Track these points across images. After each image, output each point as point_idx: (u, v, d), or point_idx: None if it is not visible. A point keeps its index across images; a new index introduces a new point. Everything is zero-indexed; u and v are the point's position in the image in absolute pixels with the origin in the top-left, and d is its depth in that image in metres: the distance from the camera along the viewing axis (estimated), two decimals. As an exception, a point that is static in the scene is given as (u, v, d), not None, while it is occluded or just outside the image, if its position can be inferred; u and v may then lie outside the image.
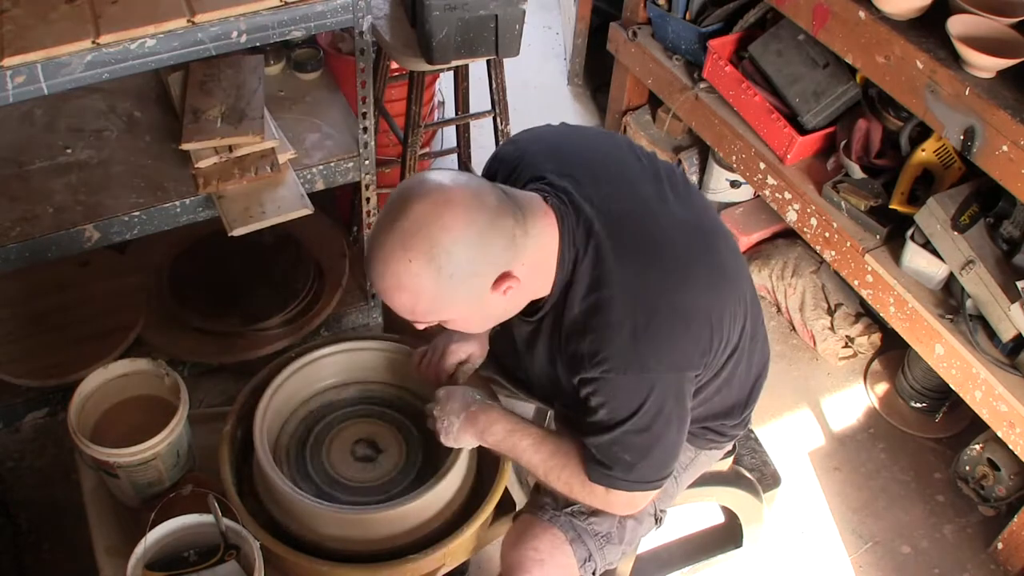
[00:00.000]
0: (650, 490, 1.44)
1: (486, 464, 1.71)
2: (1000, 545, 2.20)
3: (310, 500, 1.53)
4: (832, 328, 2.58)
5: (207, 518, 1.50)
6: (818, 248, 2.46)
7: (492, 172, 1.49)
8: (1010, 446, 2.07)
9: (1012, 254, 2.03)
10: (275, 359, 1.74)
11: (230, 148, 2.03)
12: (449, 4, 2.04)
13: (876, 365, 2.60)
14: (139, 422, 1.67)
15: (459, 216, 1.24)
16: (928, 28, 2.05)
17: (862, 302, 2.58)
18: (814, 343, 2.63)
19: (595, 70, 3.42)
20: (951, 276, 2.15)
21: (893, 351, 2.58)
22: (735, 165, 2.65)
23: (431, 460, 1.69)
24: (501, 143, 1.49)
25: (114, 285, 2.40)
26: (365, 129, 2.13)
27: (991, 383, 2.05)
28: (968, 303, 2.11)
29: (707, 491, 1.83)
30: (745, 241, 2.79)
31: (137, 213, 1.99)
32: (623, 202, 1.37)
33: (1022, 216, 2.03)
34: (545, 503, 1.56)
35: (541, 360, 1.47)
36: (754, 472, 1.91)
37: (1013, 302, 1.98)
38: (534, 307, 1.41)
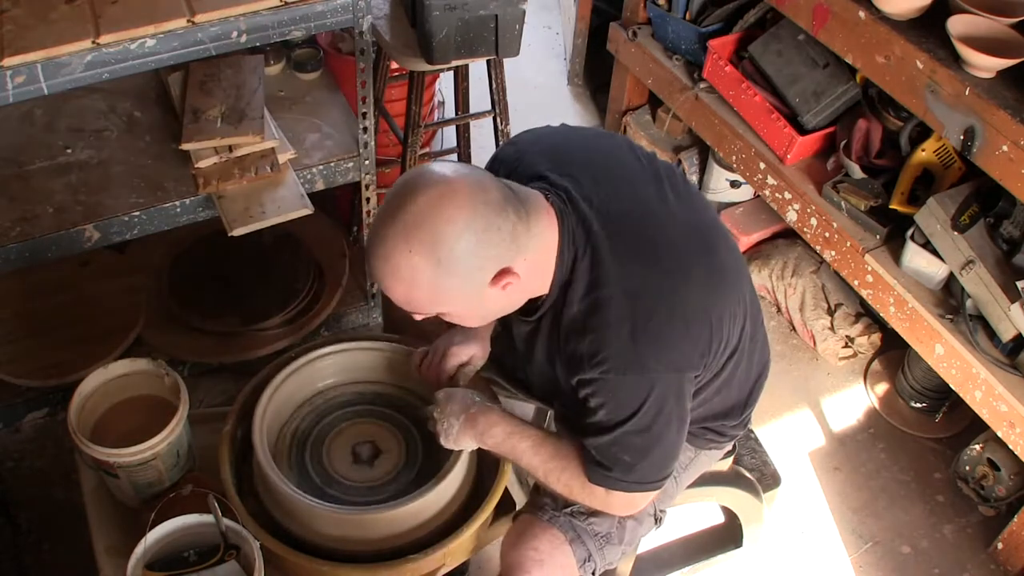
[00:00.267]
0: (650, 491, 1.44)
1: (486, 464, 1.71)
2: (1000, 545, 2.20)
3: (310, 500, 1.53)
4: (832, 328, 2.58)
5: (207, 518, 1.50)
6: (818, 248, 2.46)
7: (492, 173, 1.48)
8: (1010, 446, 2.07)
9: (1012, 254, 2.03)
10: (275, 359, 1.74)
11: (230, 148, 2.03)
12: (449, 4, 2.04)
13: (876, 365, 2.60)
14: (139, 422, 1.67)
15: (463, 209, 1.22)
16: (928, 28, 2.05)
17: (862, 302, 2.58)
18: (814, 343, 2.63)
19: (595, 70, 3.42)
20: (951, 276, 2.15)
21: (893, 351, 2.58)
22: (735, 165, 2.65)
23: (431, 460, 1.69)
24: (501, 145, 1.49)
25: (114, 285, 2.40)
26: (365, 129, 2.13)
27: (991, 383, 2.05)
28: (968, 303, 2.11)
29: (707, 491, 1.83)
30: (745, 241, 2.79)
31: (137, 213, 1.99)
32: (623, 202, 1.37)
33: (1022, 216, 2.03)
34: (545, 503, 1.56)
35: (540, 360, 1.47)
36: (754, 472, 1.91)
37: (1013, 302, 1.98)
38: (533, 306, 1.41)
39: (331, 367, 1.77)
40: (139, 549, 1.46)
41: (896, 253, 2.27)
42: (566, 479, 1.47)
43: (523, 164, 1.44)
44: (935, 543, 2.26)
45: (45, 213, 1.97)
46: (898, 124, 2.31)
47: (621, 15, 2.98)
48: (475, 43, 2.16)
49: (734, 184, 2.81)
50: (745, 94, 2.53)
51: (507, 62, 2.38)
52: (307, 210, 2.03)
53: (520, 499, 1.80)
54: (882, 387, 2.56)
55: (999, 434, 2.09)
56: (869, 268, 2.29)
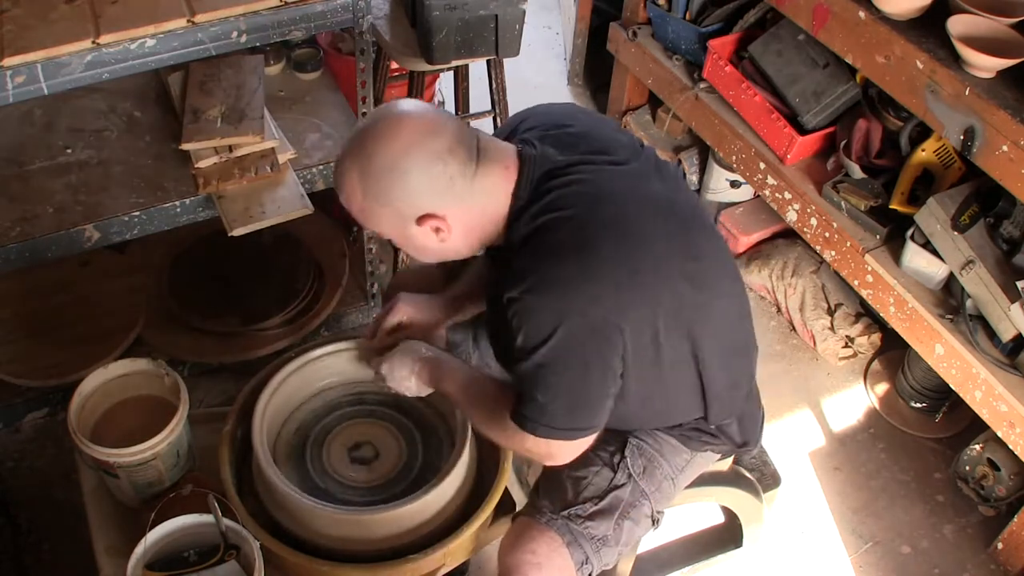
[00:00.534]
0: (564, 439, 1.40)
1: (486, 464, 1.71)
2: (1000, 545, 2.20)
3: (310, 500, 1.53)
4: (832, 328, 2.58)
5: (207, 518, 1.50)
6: (818, 248, 2.46)
7: (512, 127, 1.53)
8: (1010, 446, 2.07)
9: (1012, 254, 2.03)
10: (275, 359, 1.75)
11: (230, 148, 2.03)
12: (449, 4, 2.05)
13: (876, 365, 2.60)
14: (139, 422, 1.67)
15: (398, 147, 1.31)
16: (928, 28, 2.05)
17: (862, 302, 2.58)
18: (814, 343, 2.63)
19: (595, 70, 3.42)
20: (951, 276, 2.15)
21: (893, 351, 2.58)
22: (735, 165, 2.66)
23: (431, 460, 1.70)
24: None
25: (114, 285, 2.40)
26: (365, 129, 2.13)
27: (991, 383, 2.05)
28: (968, 303, 2.11)
29: (707, 491, 1.83)
30: (745, 241, 2.79)
31: (137, 213, 1.99)
32: (612, 179, 1.38)
33: (1022, 216, 2.03)
34: (542, 506, 1.56)
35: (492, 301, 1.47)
36: (754, 472, 1.91)
37: (1013, 302, 1.98)
38: (495, 258, 1.44)
39: (331, 367, 1.77)
40: (139, 549, 1.46)
41: (896, 253, 2.27)
42: (498, 421, 1.45)
43: (526, 123, 1.49)
44: (935, 543, 2.26)
45: (45, 213, 1.97)
46: (898, 124, 2.31)
47: (621, 15, 2.98)
48: (475, 43, 2.16)
49: (734, 184, 2.81)
50: (745, 94, 2.53)
51: (507, 62, 2.38)
52: (307, 210, 2.03)
53: (520, 499, 1.80)
54: (882, 387, 2.56)
55: (999, 434, 2.09)
56: (869, 268, 2.29)
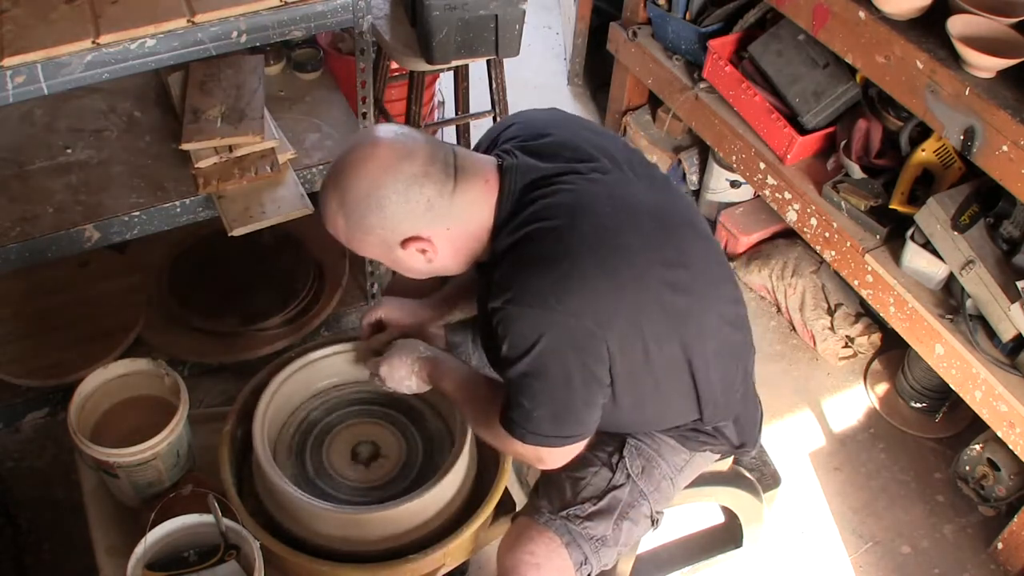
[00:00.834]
0: (551, 446, 1.40)
1: (486, 464, 1.71)
2: (1000, 545, 2.20)
3: (310, 500, 1.53)
4: (832, 328, 2.58)
5: (207, 518, 1.50)
6: (818, 248, 2.46)
7: (493, 138, 1.53)
8: (1010, 446, 2.07)
9: (1012, 254, 2.03)
10: (275, 359, 1.75)
11: (230, 148, 2.03)
12: (449, 4, 2.05)
13: (876, 365, 2.60)
14: (139, 422, 1.67)
15: (370, 175, 1.32)
16: (928, 28, 2.05)
17: (862, 302, 2.58)
18: (814, 343, 2.63)
19: (595, 70, 3.42)
20: (951, 276, 2.15)
21: (893, 351, 2.58)
22: (735, 165, 2.66)
23: (431, 460, 1.70)
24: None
25: (114, 285, 2.40)
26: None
27: (991, 383, 2.05)
28: (968, 303, 2.11)
29: (707, 491, 1.83)
30: (745, 241, 2.79)
31: (137, 213, 1.99)
32: (596, 188, 1.38)
33: (1022, 216, 2.03)
34: (541, 506, 1.56)
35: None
36: (754, 472, 1.91)
37: (1013, 302, 1.98)
38: (482, 268, 1.44)
39: (331, 367, 1.77)
40: (139, 549, 1.46)
41: (896, 253, 2.27)
42: (491, 423, 1.45)
43: (506, 132, 1.49)
44: (935, 543, 2.26)
45: (45, 213, 1.97)
46: (898, 124, 2.31)
47: (621, 15, 2.98)
48: (475, 43, 2.16)
49: (734, 184, 2.81)
50: (745, 94, 2.53)
51: (507, 62, 2.38)
52: (307, 210, 2.03)
53: (520, 499, 1.80)
54: (882, 387, 2.56)
55: (999, 434, 2.09)
56: (869, 268, 2.29)
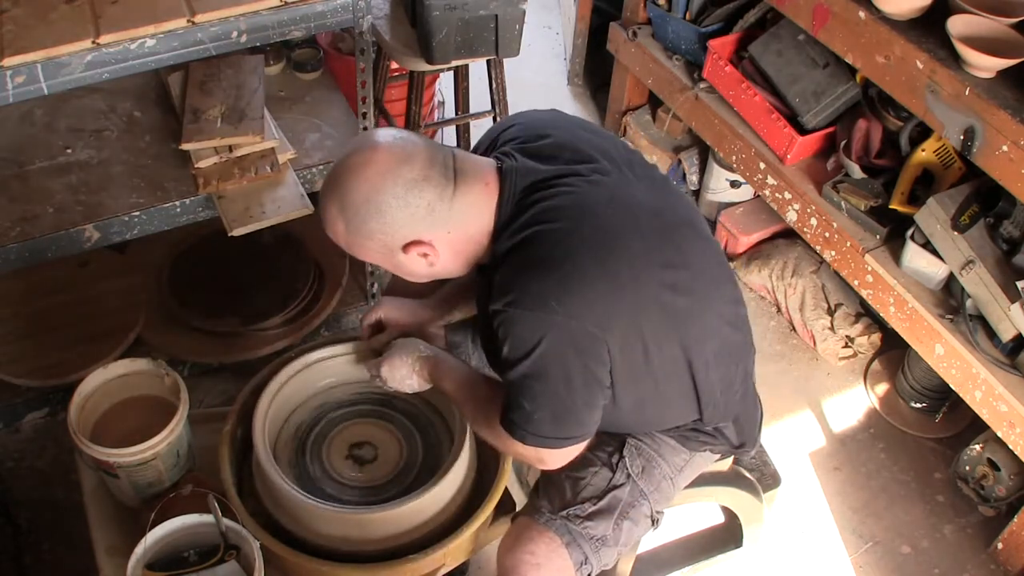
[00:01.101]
0: (552, 447, 1.41)
1: (486, 464, 1.71)
2: (1000, 545, 2.20)
3: (310, 500, 1.53)
4: (832, 328, 2.58)
5: (207, 518, 1.50)
6: (818, 248, 2.46)
7: (492, 139, 1.53)
8: (1010, 446, 2.07)
9: (1012, 254, 2.03)
10: (275, 359, 1.75)
11: (230, 148, 2.03)
12: (449, 4, 2.05)
13: (876, 365, 2.60)
14: (139, 422, 1.67)
15: (370, 181, 1.32)
16: (928, 28, 2.05)
17: (862, 302, 2.58)
18: (814, 343, 2.63)
19: (595, 70, 3.42)
20: (951, 276, 2.15)
21: (893, 351, 2.58)
22: (735, 165, 2.66)
23: (431, 460, 1.70)
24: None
25: (114, 285, 2.40)
26: (365, 129, 2.13)
27: (991, 383, 2.05)
28: (968, 303, 2.11)
29: (707, 491, 1.83)
30: (745, 241, 2.79)
31: (137, 213, 1.99)
32: (596, 190, 1.38)
33: (1022, 216, 2.03)
34: (541, 506, 1.56)
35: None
36: (754, 472, 1.91)
37: (1013, 302, 1.98)
38: (482, 270, 1.44)
39: (331, 367, 1.77)
40: (139, 549, 1.46)
41: (896, 253, 2.27)
42: (491, 423, 1.45)
43: (506, 134, 1.49)
44: (935, 543, 2.26)
45: (45, 213, 1.97)
46: (898, 124, 2.31)
47: (621, 15, 2.98)
48: (475, 43, 2.16)
49: (734, 184, 2.81)
50: (745, 94, 2.53)
51: (507, 62, 2.38)
52: (307, 210, 2.03)
53: (520, 499, 1.80)
54: (882, 387, 2.56)
55: (999, 434, 2.09)
56: (869, 268, 2.29)
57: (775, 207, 2.56)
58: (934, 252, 2.15)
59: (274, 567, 1.51)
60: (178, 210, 2.03)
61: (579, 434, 1.41)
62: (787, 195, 2.49)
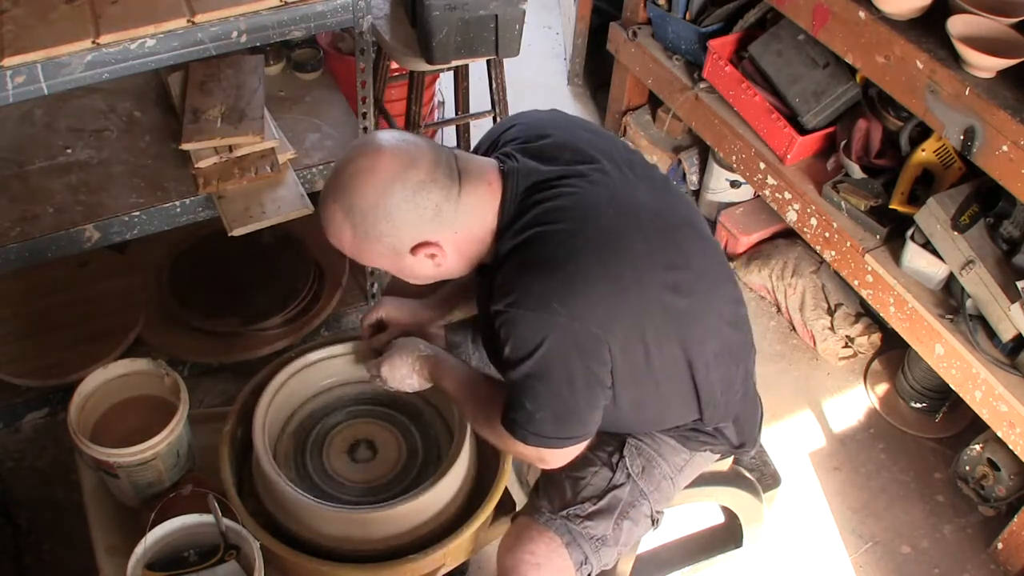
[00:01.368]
0: (553, 447, 1.41)
1: (486, 464, 1.71)
2: (1000, 545, 2.20)
3: (310, 500, 1.53)
4: (832, 328, 2.58)
5: (207, 518, 1.50)
6: (818, 248, 2.46)
7: (492, 140, 1.53)
8: (1010, 446, 2.07)
9: (1012, 254, 2.03)
10: (275, 359, 1.75)
11: (230, 148, 2.03)
12: (449, 4, 2.05)
13: (876, 365, 2.60)
14: (139, 422, 1.67)
15: (378, 184, 1.31)
16: (928, 28, 2.05)
17: (862, 302, 2.58)
18: (814, 343, 2.63)
19: (595, 70, 3.42)
20: (951, 276, 2.15)
21: (893, 351, 2.58)
22: (735, 165, 2.66)
23: (430, 460, 1.70)
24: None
25: (114, 285, 2.40)
26: (365, 129, 2.13)
27: (991, 383, 2.05)
28: (968, 303, 2.11)
29: (707, 491, 1.83)
30: (745, 241, 2.79)
31: (137, 213, 1.99)
32: (597, 191, 1.38)
33: (1022, 216, 2.03)
34: (541, 506, 1.56)
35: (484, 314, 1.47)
36: (754, 472, 1.91)
37: (1013, 302, 1.98)
38: (483, 270, 1.44)
39: (331, 367, 1.77)
40: (139, 549, 1.46)
41: (896, 253, 2.27)
42: (492, 423, 1.46)
43: (507, 134, 1.49)
44: (935, 543, 2.26)
45: (45, 213, 1.97)
46: (898, 124, 2.31)
47: (621, 15, 2.98)
48: (475, 43, 2.16)
49: (734, 184, 2.81)
50: (745, 94, 2.53)
51: (507, 62, 2.38)
52: (307, 210, 2.03)
53: (520, 499, 1.80)
54: (882, 387, 2.56)
55: (999, 434, 2.09)
56: (869, 268, 2.29)
57: (775, 207, 2.56)
58: (934, 252, 2.15)
59: (274, 567, 1.51)
60: (178, 210, 2.03)
61: (581, 434, 1.41)
62: (787, 195, 2.49)
